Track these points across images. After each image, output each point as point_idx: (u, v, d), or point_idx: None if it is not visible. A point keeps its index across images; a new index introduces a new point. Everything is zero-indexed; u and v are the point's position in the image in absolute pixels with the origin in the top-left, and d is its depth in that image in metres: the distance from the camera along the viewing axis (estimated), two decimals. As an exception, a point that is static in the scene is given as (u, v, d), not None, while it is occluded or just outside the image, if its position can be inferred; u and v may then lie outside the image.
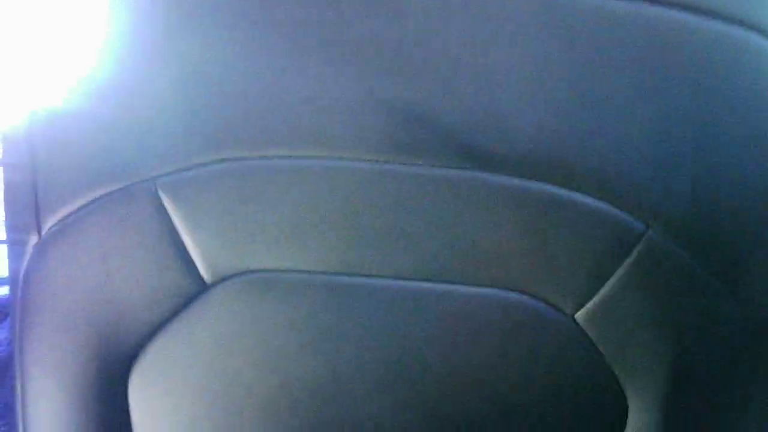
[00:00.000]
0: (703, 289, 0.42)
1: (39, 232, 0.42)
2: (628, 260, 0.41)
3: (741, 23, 0.40)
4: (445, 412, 0.43)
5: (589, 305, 0.42)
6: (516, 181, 0.40)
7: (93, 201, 0.41)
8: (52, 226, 0.42)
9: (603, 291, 0.41)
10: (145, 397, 0.43)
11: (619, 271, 0.41)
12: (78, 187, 0.41)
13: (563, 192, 0.40)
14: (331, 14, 0.39)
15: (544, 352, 0.42)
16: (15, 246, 0.43)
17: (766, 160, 0.41)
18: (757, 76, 0.41)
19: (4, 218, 0.44)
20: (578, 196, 0.40)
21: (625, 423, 0.45)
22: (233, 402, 0.43)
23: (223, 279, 0.42)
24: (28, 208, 0.42)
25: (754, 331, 0.44)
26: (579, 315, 0.42)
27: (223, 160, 0.40)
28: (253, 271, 0.42)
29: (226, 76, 0.40)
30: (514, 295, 0.42)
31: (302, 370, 0.42)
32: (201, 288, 0.42)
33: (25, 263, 0.42)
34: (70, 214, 0.41)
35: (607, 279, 0.41)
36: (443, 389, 0.43)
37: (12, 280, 0.43)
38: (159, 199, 0.40)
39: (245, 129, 0.40)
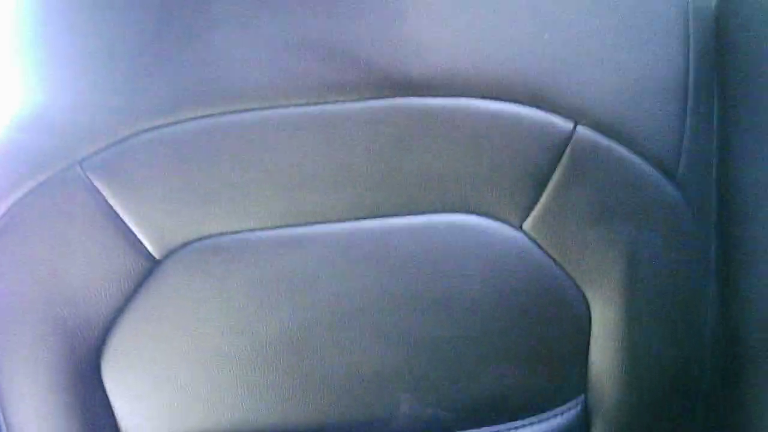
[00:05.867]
0: (640, 177, 0.42)
1: None
2: (563, 161, 0.41)
3: None
4: (417, 343, 0.44)
5: (534, 213, 0.42)
6: (442, 101, 0.40)
7: (27, 194, 0.41)
8: None
9: (544, 196, 0.42)
10: (122, 381, 0.44)
11: (557, 174, 0.41)
12: (9, 182, 0.41)
13: (491, 104, 0.40)
14: None
15: (500, 266, 0.43)
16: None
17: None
18: None
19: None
20: (503, 105, 0.40)
21: (590, 325, 0.46)
22: (207, 369, 0.44)
23: (173, 251, 0.42)
24: None
25: (695, 214, 0.44)
26: (526, 224, 0.42)
27: (149, 129, 0.40)
28: (200, 239, 0.42)
29: (135, 44, 0.39)
30: (462, 216, 0.42)
31: (269, 326, 0.43)
32: (152, 264, 0.42)
33: None
34: (8, 210, 0.41)
35: (546, 183, 0.41)
36: (411, 321, 0.43)
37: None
38: (90, 180, 0.40)
39: (167, 93, 0.39)
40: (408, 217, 0.42)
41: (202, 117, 0.40)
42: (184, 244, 0.42)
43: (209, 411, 0.44)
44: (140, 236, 0.41)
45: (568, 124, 0.41)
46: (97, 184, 0.40)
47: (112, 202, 0.41)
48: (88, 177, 0.40)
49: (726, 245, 0.48)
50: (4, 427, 0.45)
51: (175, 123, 0.40)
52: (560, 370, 0.47)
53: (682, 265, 0.45)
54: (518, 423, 0.47)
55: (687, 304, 0.46)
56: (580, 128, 0.41)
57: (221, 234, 0.42)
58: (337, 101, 0.40)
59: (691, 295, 0.46)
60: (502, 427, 0.46)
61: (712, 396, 0.51)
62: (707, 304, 0.48)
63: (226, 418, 0.44)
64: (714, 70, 0.45)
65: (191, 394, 0.44)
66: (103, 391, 0.44)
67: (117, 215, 0.41)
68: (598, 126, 0.41)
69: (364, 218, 0.42)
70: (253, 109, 0.40)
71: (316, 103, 0.40)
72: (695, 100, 0.43)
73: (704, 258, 0.46)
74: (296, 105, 0.40)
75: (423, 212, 0.42)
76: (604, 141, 0.41)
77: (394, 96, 0.40)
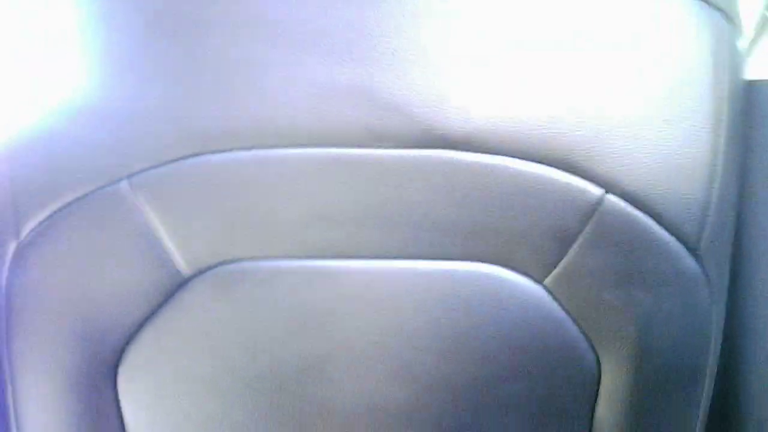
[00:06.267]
0: (662, 248, 0.43)
1: (17, 237, 0.43)
2: (590, 225, 0.42)
3: None
4: (429, 385, 0.45)
5: (557, 270, 0.43)
6: (479, 157, 0.41)
7: (69, 203, 0.42)
8: (31, 230, 0.43)
9: (568, 256, 0.43)
10: (135, 392, 0.45)
11: (583, 235, 0.43)
12: (54, 191, 0.42)
13: (523, 164, 0.42)
14: (295, 6, 0.41)
15: (518, 319, 0.44)
16: (-5, 251, 0.44)
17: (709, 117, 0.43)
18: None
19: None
20: (538, 167, 0.42)
21: (599, 385, 0.47)
22: (222, 389, 0.44)
23: (201, 271, 0.43)
24: (6, 213, 0.43)
25: (711, 288, 0.46)
26: (548, 280, 0.44)
27: (193, 155, 0.41)
28: (230, 261, 0.43)
29: (193, 73, 0.41)
30: (486, 267, 0.43)
31: (288, 353, 0.44)
32: (179, 281, 0.43)
33: (5, 268, 0.43)
34: (47, 218, 0.42)
35: (572, 244, 0.43)
36: (426, 363, 0.44)
37: (-6, 285, 0.44)
38: (133, 197, 0.41)
39: (214, 123, 0.41)
40: (431, 262, 0.43)
41: (248, 149, 0.41)
42: (214, 265, 0.43)
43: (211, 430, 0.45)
44: (172, 253, 0.42)
45: (598, 191, 0.42)
46: (140, 200, 0.41)
47: (150, 218, 0.42)
48: (132, 192, 0.41)
49: (733, 318, 0.49)
50: (14, 429, 0.45)
51: (219, 151, 0.41)
52: (565, 427, 0.47)
53: (693, 336, 0.46)
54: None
55: (692, 375, 0.48)
56: (609, 196, 0.42)
57: (251, 259, 0.43)
58: (378, 147, 0.41)
59: (697, 366, 0.47)
60: None
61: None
62: (710, 377, 0.49)
63: None
64: (742, 153, 0.46)
65: (203, 414, 0.45)
66: (116, 401, 0.45)
67: (152, 231, 0.42)
68: (626, 196, 0.42)
69: (388, 259, 0.43)
70: (297, 146, 0.41)
71: (357, 147, 0.41)
72: (723, 179, 0.44)
73: (715, 330, 0.48)
74: (338, 146, 0.41)
75: (449, 258, 0.43)
76: (631, 210, 0.43)
77: (433, 147, 0.41)
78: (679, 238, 0.43)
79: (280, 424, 0.45)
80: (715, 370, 0.49)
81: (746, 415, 0.54)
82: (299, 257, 0.43)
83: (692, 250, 0.44)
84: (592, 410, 0.47)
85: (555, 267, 0.43)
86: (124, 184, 0.41)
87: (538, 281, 0.44)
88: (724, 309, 0.48)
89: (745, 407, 0.54)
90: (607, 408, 0.47)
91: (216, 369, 0.44)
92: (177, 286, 0.43)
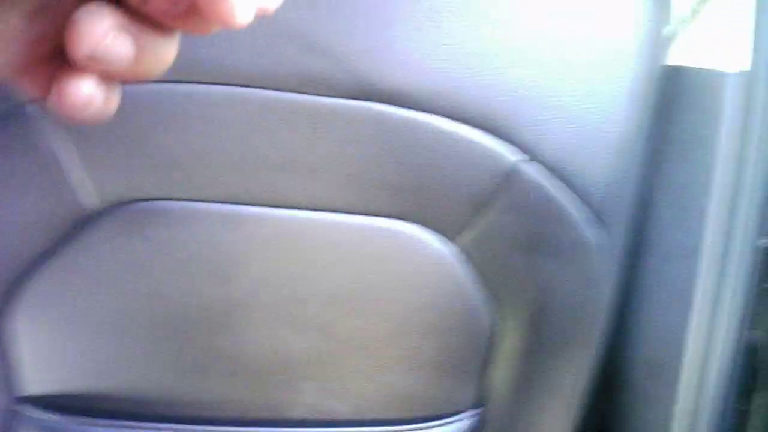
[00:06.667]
0: (572, 217, 0.45)
1: None
2: (506, 189, 0.43)
3: None
4: (333, 336, 0.45)
5: (470, 232, 0.44)
6: (408, 113, 0.41)
7: None
8: None
9: (483, 218, 0.44)
10: (32, 329, 0.43)
11: (498, 199, 0.44)
12: None
13: (449, 124, 0.42)
14: None
15: (427, 277, 0.45)
16: None
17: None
18: None
19: None
20: (463, 129, 0.42)
21: (497, 344, 0.49)
22: (123, 332, 0.43)
23: (113, 207, 0.41)
24: None
25: (611, 257, 0.48)
26: (461, 241, 0.45)
27: None
28: (143, 199, 0.41)
29: None
30: (402, 224, 0.44)
31: (195, 299, 0.43)
32: (85, 216, 0.41)
33: None
34: None
35: (487, 207, 0.44)
36: (332, 315, 0.45)
37: None
38: (40, 121, 0.39)
39: None
40: (346, 215, 0.43)
41: (174, 81, 0.39)
42: (126, 202, 0.41)
43: (113, 372, 0.43)
44: (81, 186, 0.40)
45: (517, 157, 0.43)
46: (48, 126, 0.39)
47: (58, 146, 0.39)
48: (41, 117, 0.39)
49: (630, 288, 0.52)
50: None
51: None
52: (461, 381, 0.49)
53: (588, 301, 0.49)
54: (412, 426, 0.49)
55: (585, 338, 0.50)
56: (527, 162, 0.43)
57: (166, 198, 0.41)
58: (310, 94, 0.41)
59: (590, 330, 0.50)
60: (396, 427, 0.49)
61: (599, 416, 0.56)
62: (601, 341, 0.52)
63: (129, 382, 0.44)
64: (656, 131, 0.48)
65: (101, 355, 0.43)
66: (6, 337, 0.43)
67: (59, 161, 0.39)
68: (544, 163, 0.43)
69: (309, 209, 0.43)
70: (222, 84, 0.39)
71: (289, 91, 0.40)
72: (635, 154, 0.46)
73: (609, 297, 0.50)
74: (270, 89, 0.40)
75: (367, 213, 0.43)
76: (546, 178, 0.44)
77: (365, 99, 0.41)
78: (588, 207, 0.45)
79: (182, 369, 0.44)
80: (606, 333, 0.52)
81: (632, 381, 0.58)
82: (216, 201, 0.41)
83: (598, 220, 0.46)
84: (488, 368, 0.49)
85: (469, 228, 0.44)
86: (32, 108, 0.39)
87: (452, 241, 0.45)
88: (618, 276, 0.51)
89: (630, 372, 0.57)
90: (503, 366, 0.49)
91: (118, 310, 0.42)
92: (83, 221, 0.41)
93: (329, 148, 0.41)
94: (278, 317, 0.44)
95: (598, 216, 0.46)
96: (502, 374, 0.50)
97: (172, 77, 0.39)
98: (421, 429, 0.49)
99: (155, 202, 0.41)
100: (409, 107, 0.41)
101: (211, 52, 0.39)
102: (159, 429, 0.45)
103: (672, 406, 0.55)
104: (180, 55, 0.39)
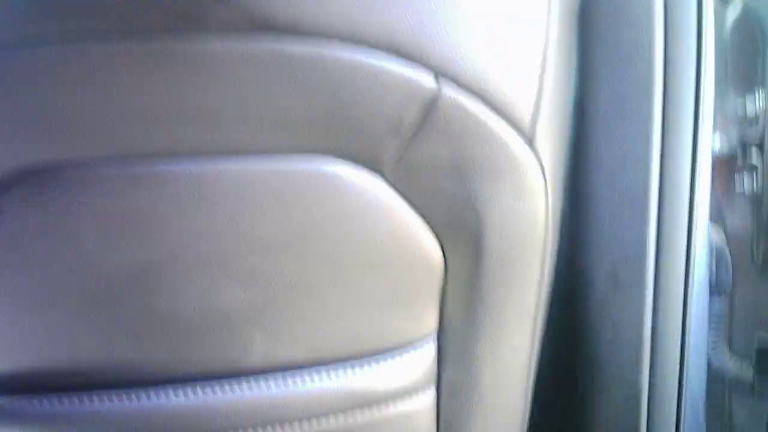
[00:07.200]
0: (498, 137, 0.43)
1: None
2: (427, 114, 0.41)
3: None
4: (275, 286, 0.44)
5: (396, 161, 0.43)
6: (310, 45, 0.39)
7: None
8: None
9: (406, 145, 0.42)
10: None
11: (420, 125, 0.42)
12: None
13: (356, 53, 0.39)
14: None
15: (361, 213, 0.43)
16: None
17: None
18: None
19: None
20: (373, 56, 0.40)
21: (445, 273, 0.48)
22: (50, 303, 0.41)
23: (12, 177, 0.38)
24: None
25: (546, 176, 0.47)
26: (388, 172, 0.43)
27: None
28: (41, 165, 0.38)
29: None
30: (324, 161, 0.42)
31: (117, 263, 0.41)
32: None
33: None
34: None
35: (409, 133, 0.42)
36: (269, 264, 0.43)
37: None
38: None
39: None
40: (265, 157, 0.41)
41: (61, 42, 0.36)
42: (24, 169, 0.39)
43: (48, 347, 0.42)
44: None
45: (434, 81, 0.41)
46: None
47: None
48: None
49: (575, 204, 0.51)
50: None
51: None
52: (414, 313, 0.48)
53: (528, 222, 0.48)
54: (374, 358, 0.48)
55: (529, 259, 0.50)
56: (444, 83, 0.41)
57: (66, 162, 0.39)
58: (200, 32, 0.38)
59: (533, 250, 0.49)
60: (356, 363, 0.48)
61: (552, 338, 0.56)
62: (548, 258, 0.51)
63: (65, 355, 0.43)
64: (576, 37, 0.46)
65: (28, 330, 0.42)
66: None
67: None
68: (462, 83, 0.41)
69: (219, 157, 0.40)
70: (109, 37, 0.36)
71: (175, 33, 0.37)
72: (556, 69, 0.44)
73: (552, 216, 0.49)
74: (154, 32, 0.37)
75: (281, 153, 0.41)
76: (467, 98, 0.42)
77: (258, 31, 0.38)
78: (514, 127, 0.44)
79: (117, 336, 0.43)
80: (553, 251, 0.51)
81: (584, 295, 0.57)
82: (123, 159, 0.39)
83: (526, 139, 0.44)
84: (441, 298, 0.49)
85: (394, 157, 0.42)
86: None
87: (378, 172, 0.43)
88: (559, 195, 0.50)
89: (583, 288, 0.57)
90: (454, 294, 0.49)
91: (40, 283, 0.41)
92: None
93: (234, 89, 0.39)
94: (211, 272, 0.42)
95: (524, 132, 0.44)
96: (457, 299, 0.49)
97: (48, 28, 0.36)
98: (382, 361, 0.48)
99: (62, 168, 0.39)
100: (307, 34, 0.38)
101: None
102: (108, 397, 0.44)
103: (639, 312, 0.55)
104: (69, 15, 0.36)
